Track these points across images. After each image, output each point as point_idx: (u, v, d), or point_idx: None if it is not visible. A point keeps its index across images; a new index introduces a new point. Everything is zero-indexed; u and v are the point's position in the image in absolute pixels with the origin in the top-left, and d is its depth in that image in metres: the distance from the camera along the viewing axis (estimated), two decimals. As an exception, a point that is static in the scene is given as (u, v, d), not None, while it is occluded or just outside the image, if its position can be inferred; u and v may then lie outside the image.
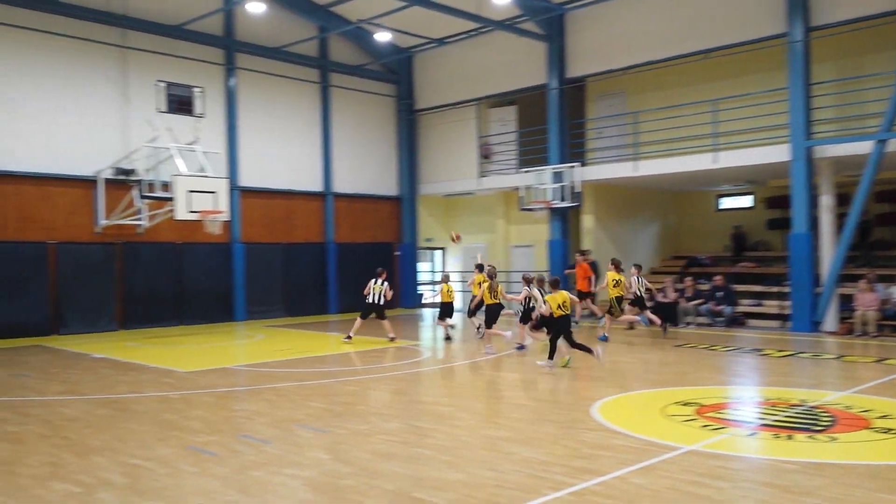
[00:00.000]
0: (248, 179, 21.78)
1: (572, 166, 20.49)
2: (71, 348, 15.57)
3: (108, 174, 18.58)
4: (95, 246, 18.70)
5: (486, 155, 23.77)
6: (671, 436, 7.41)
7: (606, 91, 22.10)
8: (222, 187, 17.28)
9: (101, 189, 18.60)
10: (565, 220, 21.42)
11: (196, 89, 17.75)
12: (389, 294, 15.81)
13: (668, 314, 17.13)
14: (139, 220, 18.60)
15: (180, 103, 17.35)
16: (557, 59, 21.09)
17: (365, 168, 24.88)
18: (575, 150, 21.46)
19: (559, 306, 11.40)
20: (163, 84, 17.26)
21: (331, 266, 23.60)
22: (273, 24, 21.88)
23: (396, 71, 25.42)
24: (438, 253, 27.26)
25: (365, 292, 15.80)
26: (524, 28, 20.98)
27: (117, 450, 7.30)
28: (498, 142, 23.75)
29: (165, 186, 17.09)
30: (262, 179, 22.14)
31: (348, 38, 23.83)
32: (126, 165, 18.64)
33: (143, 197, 17.53)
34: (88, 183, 18.62)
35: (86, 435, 7.95)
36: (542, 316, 11.98)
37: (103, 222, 18.60)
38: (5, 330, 16.80)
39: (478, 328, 15.82)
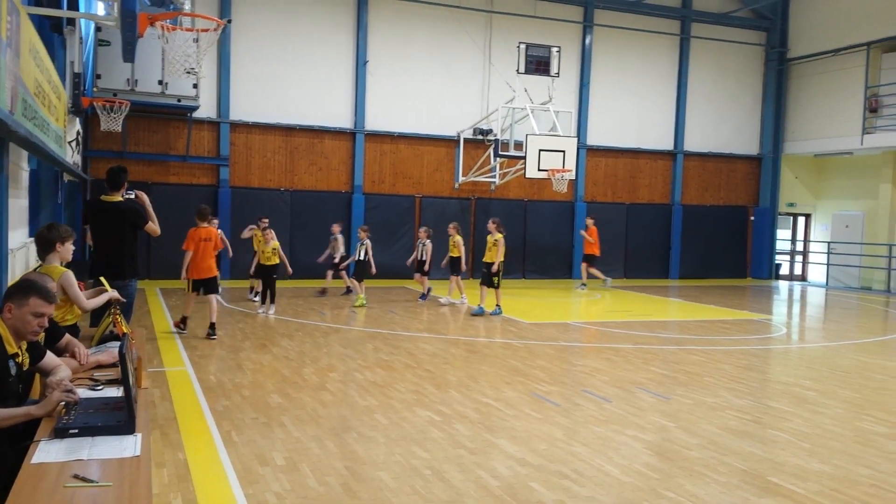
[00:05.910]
0: (595, 138, 21.73)
1: None
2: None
3: (468, 134, 20.00)
4: (453, 200, 20.35)
5: (873, 108, 20.49)
6: None
7: None
8: (571, 146, 17.50)
9: (461, 148, 20.11)
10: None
11: (554, 49, 18.04)
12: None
13: None
14: (492, 177, 19.73)
15: (538, 64, 17.79)
16: None
17: (721, 125, 23.19)
18: None
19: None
20: (523, 45, 17.84)
21: (675, 229, 22.59)
22: (632, -25, 21.30)
23: (768, 16, 23.10)
24: (801, 220, 24.39)
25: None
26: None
27: (470, 387, 7.83)
28: (891, 93, 20.30)
29: (518, 146, 17.82)
30: (608, 138, 21.90)
31: (715, -17, 22.31)
32: (484, 126, 19.86)
33: (497, 156, 18.50)
34: (451, 143, 20.25)
35: (444, 370, 8.68)
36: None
37: (461, 179, 20.12)
38: (380, 271, 19.09)
39: None
